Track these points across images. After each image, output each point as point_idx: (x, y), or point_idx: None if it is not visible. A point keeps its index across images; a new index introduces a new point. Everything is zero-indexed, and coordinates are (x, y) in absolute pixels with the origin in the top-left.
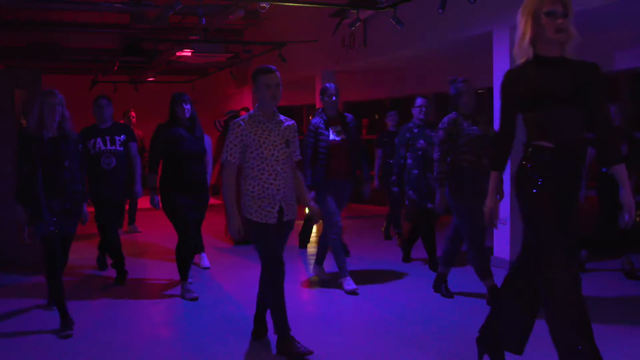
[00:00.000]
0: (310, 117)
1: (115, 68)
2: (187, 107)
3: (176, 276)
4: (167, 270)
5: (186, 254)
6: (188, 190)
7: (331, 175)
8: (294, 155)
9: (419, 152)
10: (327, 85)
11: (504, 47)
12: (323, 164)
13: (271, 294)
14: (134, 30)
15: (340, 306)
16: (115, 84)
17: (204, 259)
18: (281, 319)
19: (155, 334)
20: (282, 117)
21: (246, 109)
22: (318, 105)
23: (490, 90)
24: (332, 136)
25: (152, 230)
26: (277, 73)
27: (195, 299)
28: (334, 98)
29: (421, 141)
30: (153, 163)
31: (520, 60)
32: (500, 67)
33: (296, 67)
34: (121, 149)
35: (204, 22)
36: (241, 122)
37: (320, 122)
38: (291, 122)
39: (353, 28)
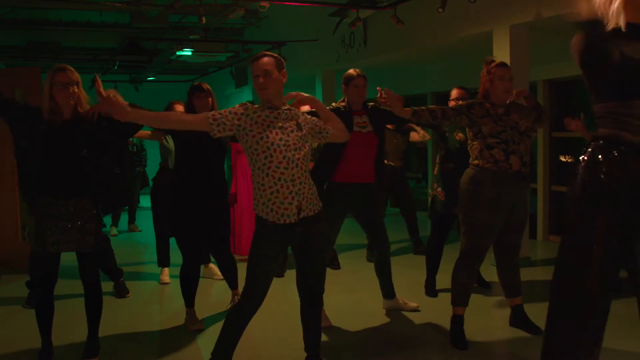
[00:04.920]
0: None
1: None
2: (206, 100)
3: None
4: None
5: (185, 273)
6: (197, 199)
7: (348, 177)
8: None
9: (457, 145)
10: (352, 70)
11: (504, 47)
12: (337, 163)
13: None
14: (134, 29)
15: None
16: (115, 84)
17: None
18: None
19: (153, 334)
20: (294, 111)
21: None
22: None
23: None
24: (355, 127)
25: (151, 230)
26: (266, 59)
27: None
28: (359, 87)
29: (460, 134)
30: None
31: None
32: None
33: (296, 66)
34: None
35: (203, 22)
36: (249, 106)
37: (338, 111)
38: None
39: (353, 28)
